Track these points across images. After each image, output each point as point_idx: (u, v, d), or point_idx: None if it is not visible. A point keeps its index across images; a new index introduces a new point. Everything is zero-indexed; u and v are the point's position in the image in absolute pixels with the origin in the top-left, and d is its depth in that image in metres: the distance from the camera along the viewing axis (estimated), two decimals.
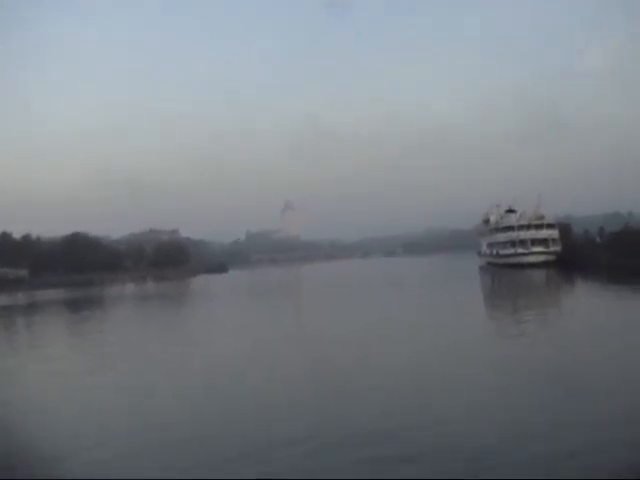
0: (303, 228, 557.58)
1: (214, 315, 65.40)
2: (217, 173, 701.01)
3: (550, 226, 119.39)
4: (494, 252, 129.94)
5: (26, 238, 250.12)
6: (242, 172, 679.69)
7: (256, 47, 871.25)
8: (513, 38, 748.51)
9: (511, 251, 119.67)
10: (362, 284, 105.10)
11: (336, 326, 45.54)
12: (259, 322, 53.54)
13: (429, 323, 42.94)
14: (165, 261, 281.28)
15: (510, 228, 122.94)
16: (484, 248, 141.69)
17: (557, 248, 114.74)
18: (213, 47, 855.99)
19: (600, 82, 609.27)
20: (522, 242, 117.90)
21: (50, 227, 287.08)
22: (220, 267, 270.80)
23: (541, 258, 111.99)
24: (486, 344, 32.64)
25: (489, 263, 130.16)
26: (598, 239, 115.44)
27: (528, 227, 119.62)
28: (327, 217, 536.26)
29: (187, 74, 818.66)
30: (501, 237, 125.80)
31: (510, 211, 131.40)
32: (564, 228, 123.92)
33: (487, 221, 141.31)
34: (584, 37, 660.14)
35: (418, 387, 23.69)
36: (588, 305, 48.02)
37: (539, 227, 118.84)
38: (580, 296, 59.87)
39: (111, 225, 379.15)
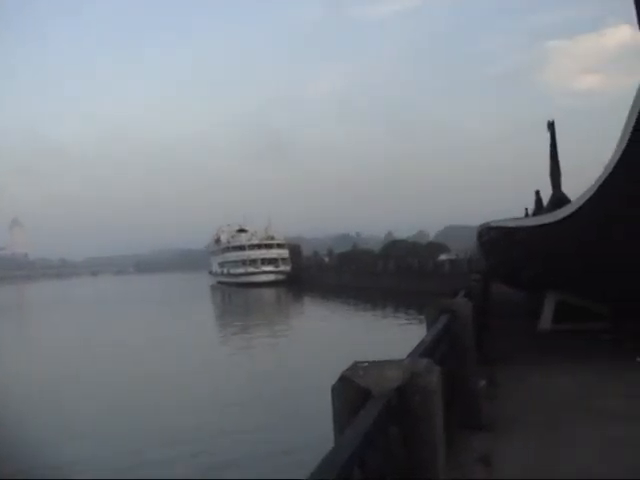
0: (32, 246, 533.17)
1: None
2: None
3: (280, 246, 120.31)
4: (225, 271, 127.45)
5: None
6: None
7: None
8: (245, 62, 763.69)
9: (242, 270, 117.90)
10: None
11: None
12: None
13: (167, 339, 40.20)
14: None
15: (241, 247, 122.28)
16: (215, 267, 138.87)
17: (287, 267, 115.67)
18: None
19: (328, 108, 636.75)
20: (253, 261, 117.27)
21: None
22: None
23: (271, 277, 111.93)
24: (212, 359, 31.64)
25: (220, 282, 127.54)
26: (327, 259, 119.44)
27: (259, 246, 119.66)
28: (57, 235, 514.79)
29: None
30: (232, 256, 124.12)
31: (241, 230, 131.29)
32: (294, 248, 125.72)
33: (218, 240, 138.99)
34: (315, 67, 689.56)
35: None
36: (310, 322, 49.03)
37: (269, 247, 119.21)
38: (305, 313, 61.01)
39: None
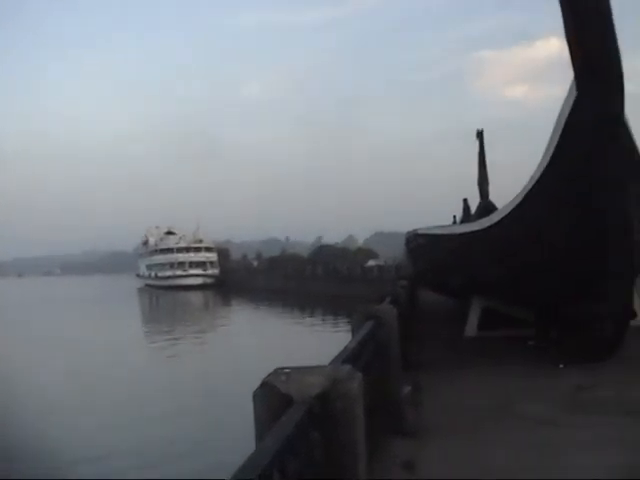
0: None
1: None
2: None
3: (209, 249, 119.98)
4: (153, 274, 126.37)
5: None
6: None
7: None
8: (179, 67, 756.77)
9: (170, 273, 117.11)
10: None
11: None
12: None
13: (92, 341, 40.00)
14: None
15: (169, 250, 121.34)
16: (143, 270, 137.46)
17: (215, 271, 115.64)
18: None
19: (259, 111, 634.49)
20: (181, 264, 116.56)
21: None
22: None
23: (199, 280, 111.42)
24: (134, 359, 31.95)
25: (148, 285, 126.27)
26: (255, 263, 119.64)
27: (187, 250, 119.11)
28: None
29: None
30: (160, 259, 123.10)
31: (170, 233, 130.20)
32: (223, 252, 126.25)
33: (147, 242, 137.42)
34: (247, 71, 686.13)
35: None
36: (237, 326, 49.60)
37: (198, 250, 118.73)
38: (233, 317, 60.62)
39: None
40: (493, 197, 18.13)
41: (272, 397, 3.02)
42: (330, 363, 3.89)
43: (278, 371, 3.13)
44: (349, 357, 4.31)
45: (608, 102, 8.11)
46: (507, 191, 10.60)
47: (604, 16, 7.72)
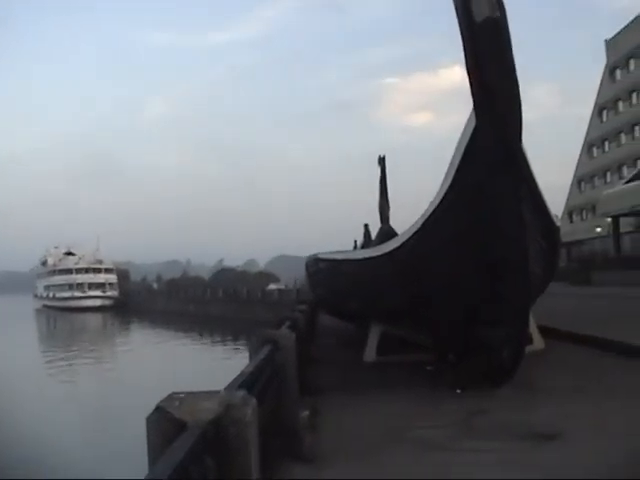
0: None
1: None
2: None
3: (108, 270, 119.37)
4: (51, 294, 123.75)
5: None
6: None
7: None
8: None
9: (68, 294, 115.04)
10: None
11: None
12: None
13: None
14: None
15: (68, 271, 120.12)
16: (41, 290, 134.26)
17: (115, 293, 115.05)
18: None
19: (163, 132, 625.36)
20: (79, 285, 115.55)
21: None
22: None
23: (98, 302, 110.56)
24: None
25: (46, 306, 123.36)
26: (155, 285, 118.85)
27: (86, 271, 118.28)
28: None
29: None
30: (59, 279, 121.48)
31: (69, 254, 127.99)
32: (122, 273, 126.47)
33: (45, 263, 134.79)
34: (152, 91, 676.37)
35: None
36: (135, 349, 49.28)
37: (97, 271, 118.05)
38: (131, 340, 60.30)
39: None
40: (396, 222, 18.38)
41: (165, 422, 2.98)
42: (225, 388, 3.87)
43: (172, 396, 3.11)
44: (245, 382, 4.30)
45: (506, 132, 8.27)
46: (409, 217, 10.78)
47: (503, 47, 7.88)
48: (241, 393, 3.35)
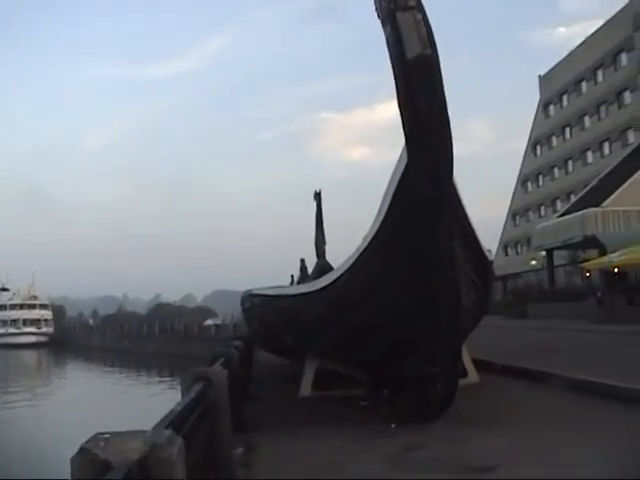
0: None
1: None
2: None
3: (43, 306, 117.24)
4: None
5: None
6: None
7: None
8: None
9: (2, 331, 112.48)
10: None
11: None
12: None
13: None
14: None
15: (2, 307, 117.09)
16: None
17: (50, 329, 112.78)
18: None
19: (100, 166, 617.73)
20: (14, 322, 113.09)
21: None
22: None
23: (33, 339, 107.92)
24: None
25: None
26: (91, 321, 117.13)
27: (21, 307, 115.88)
28: None
29: None
30: None
31: (3, 289, 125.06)
32: (58, 309, 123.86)
33: None
34: (88, 126, 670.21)
35: None
36: (69, 387, 48.22)
37: (32, 307, 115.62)
38: (66, 377, 59.18)
39: None
40: (334, 256, 18.48)
41: (90, 463, 2.92)
42: (154, 426, 3.84)
43: (97, 436, 3.07)
44: (173, 421, 4.26)
45: (437, 169, 8.34)
46: (347, 250, 10.82)
47: (434, 84, 7.94)
48: (167, 433, 3.32)
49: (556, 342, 22.57)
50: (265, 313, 16.50)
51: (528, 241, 69.70)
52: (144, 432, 3.25)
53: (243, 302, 19.89)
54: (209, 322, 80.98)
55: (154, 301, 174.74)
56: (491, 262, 13.18)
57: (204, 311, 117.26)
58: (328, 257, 19.42)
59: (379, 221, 9.45)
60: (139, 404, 33.38)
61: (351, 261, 10.34)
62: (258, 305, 17.19)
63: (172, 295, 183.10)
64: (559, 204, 75.32)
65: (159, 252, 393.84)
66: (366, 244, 9.83)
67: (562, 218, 50.53)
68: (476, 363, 13.99)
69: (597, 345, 20.42)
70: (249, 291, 18.60)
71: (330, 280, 11.24)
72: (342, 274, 10.71)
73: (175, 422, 4.23)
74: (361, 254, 10.00)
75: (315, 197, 19.49)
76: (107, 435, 3.08)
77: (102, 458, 2.94)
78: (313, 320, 12.25)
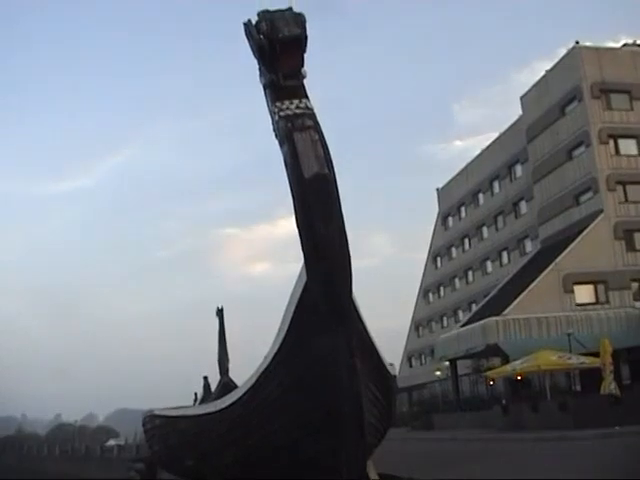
0: None
1: None
2: None
3: None
4: None
5: None
6: None
7: None
8: None
9: None
10: None
11: None
12: None
13: None
14: None
15: None
16: None
17: None
18: None
19: None
20: None
21: None
22: None
23: None
24: None
25: None
26: None
27: None
28: None
29: None
30: None
31: None
32: None
33: None
34: None
35: None
36: None
37: None
38: None
39: None
40: (237, 372, 18.23)
41: None
42: None
43: None
44: None
45: (335, 287, 8.28)
46: (252, 367, 10.63)
47: (331, 203, 7.95)
48: None
49: (462, 452, 22.63)
50: (167, 434, 16.03)
51: (432, 352, 69.57)
52: None
53: (144, 423, 19.32)
54: (112, 442, 78.13)
55: (55, 421, 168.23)
56: (394, 376, 13.16)
57: (106, 431, 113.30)
58: (233, 374, 19.15)
59: (279, 340, 9.37)
60: None
61: (251, 381, 10.18)
62: (159, 426, 16.71)
63: (73, 414, 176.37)
64: (461, 314, 76.12)
65: (60, 372, 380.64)
66: (267, 363, 9.71)
67: (464, 328, 51.40)
68: (383, 477, 13.82)
69: (502, 454, 20.54)
70: (151, 411, 18.11)
71: (230, 401, 11.04)
72: (242, 395, 10.53)
73: None
74: (261, 374, 9.86)
75: (217, 313, 19.34)
76: None
77: None
78: (214, 441, 11.95)
